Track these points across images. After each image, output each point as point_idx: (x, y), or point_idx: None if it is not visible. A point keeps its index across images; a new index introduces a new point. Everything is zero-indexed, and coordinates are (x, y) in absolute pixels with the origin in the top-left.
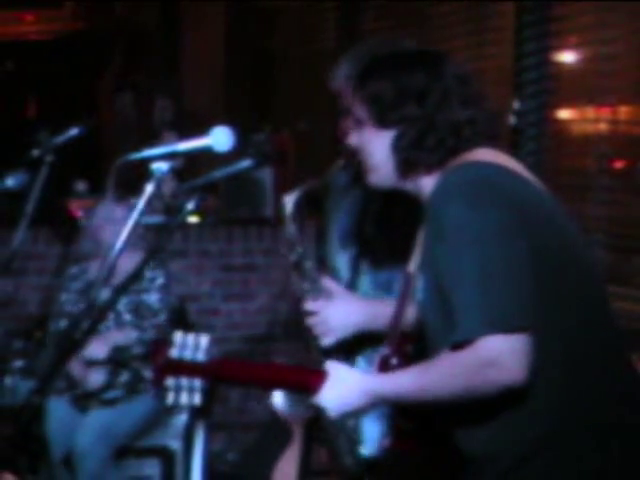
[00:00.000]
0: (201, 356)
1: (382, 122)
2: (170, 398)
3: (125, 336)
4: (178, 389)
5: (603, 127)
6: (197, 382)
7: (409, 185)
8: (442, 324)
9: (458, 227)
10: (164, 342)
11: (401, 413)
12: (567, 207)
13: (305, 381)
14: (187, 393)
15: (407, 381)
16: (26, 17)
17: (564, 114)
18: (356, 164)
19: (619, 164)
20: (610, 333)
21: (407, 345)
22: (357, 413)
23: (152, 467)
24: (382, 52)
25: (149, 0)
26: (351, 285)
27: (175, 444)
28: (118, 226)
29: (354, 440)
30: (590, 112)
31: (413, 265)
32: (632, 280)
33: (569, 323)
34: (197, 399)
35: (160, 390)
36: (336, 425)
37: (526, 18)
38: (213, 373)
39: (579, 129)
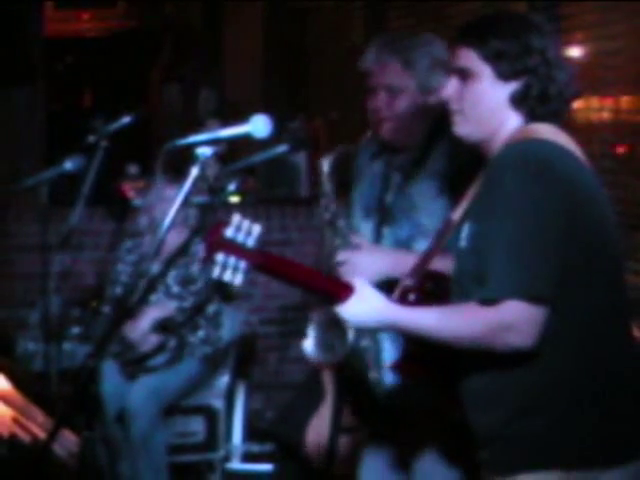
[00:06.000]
0: (251, 242)
1: (504, 75)
2: (216, 272)
3: (164, 309)
4: (225, 266)
5: (606, 115)
6: (242, 264)
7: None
8: (473, 275)
9: (507, 197)
10: (222, 221)
11: (413, 339)
12: None
13: (334, 290)
14: (231, 272)
15: (428, 319)
16: (83, 16)
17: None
18: (380, 138)
19: (621, 149)
20: (622, 306)
21: (429, 283)
22: (371, 332)
23: (197, 424)
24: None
25: (195, 0)
26: None
27: (218, 403)
28: (168, 205)
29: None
30: (595, 102)
31: (457, 214)
32: (633, 254)
33: (592, 299)
34: (239, 279)
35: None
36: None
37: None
38: (257, 260)
39: (584, 117)
